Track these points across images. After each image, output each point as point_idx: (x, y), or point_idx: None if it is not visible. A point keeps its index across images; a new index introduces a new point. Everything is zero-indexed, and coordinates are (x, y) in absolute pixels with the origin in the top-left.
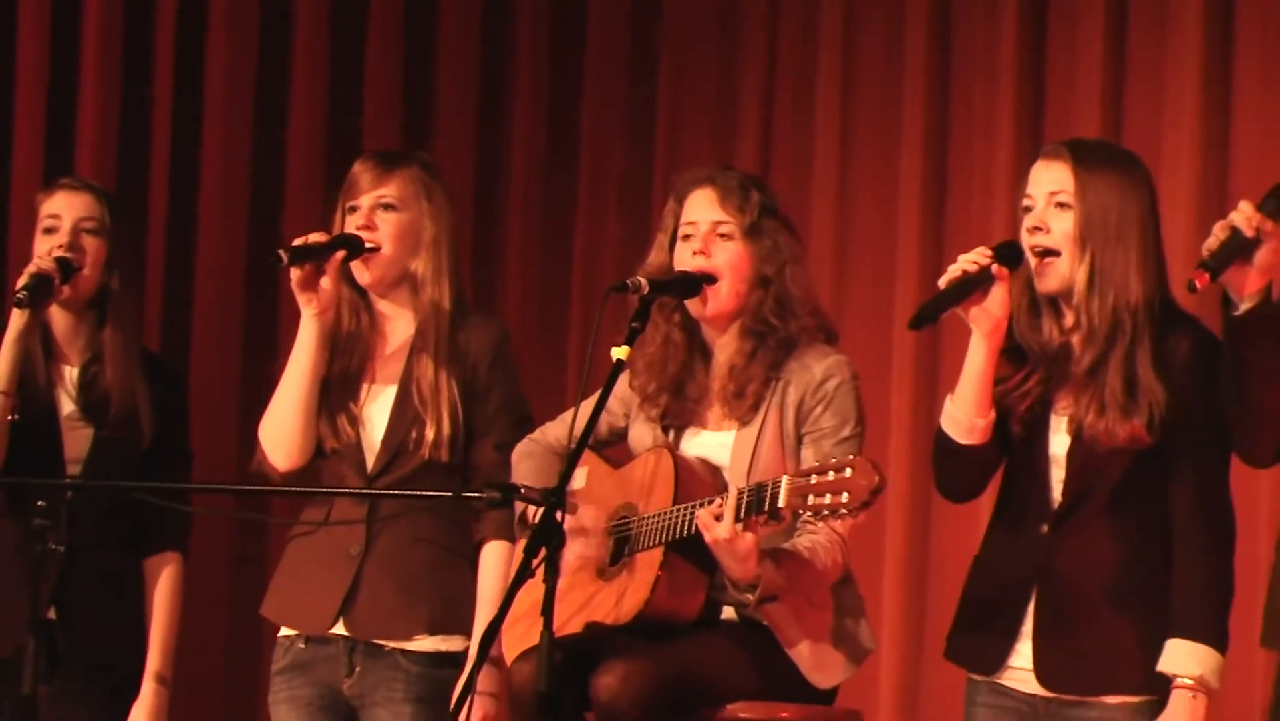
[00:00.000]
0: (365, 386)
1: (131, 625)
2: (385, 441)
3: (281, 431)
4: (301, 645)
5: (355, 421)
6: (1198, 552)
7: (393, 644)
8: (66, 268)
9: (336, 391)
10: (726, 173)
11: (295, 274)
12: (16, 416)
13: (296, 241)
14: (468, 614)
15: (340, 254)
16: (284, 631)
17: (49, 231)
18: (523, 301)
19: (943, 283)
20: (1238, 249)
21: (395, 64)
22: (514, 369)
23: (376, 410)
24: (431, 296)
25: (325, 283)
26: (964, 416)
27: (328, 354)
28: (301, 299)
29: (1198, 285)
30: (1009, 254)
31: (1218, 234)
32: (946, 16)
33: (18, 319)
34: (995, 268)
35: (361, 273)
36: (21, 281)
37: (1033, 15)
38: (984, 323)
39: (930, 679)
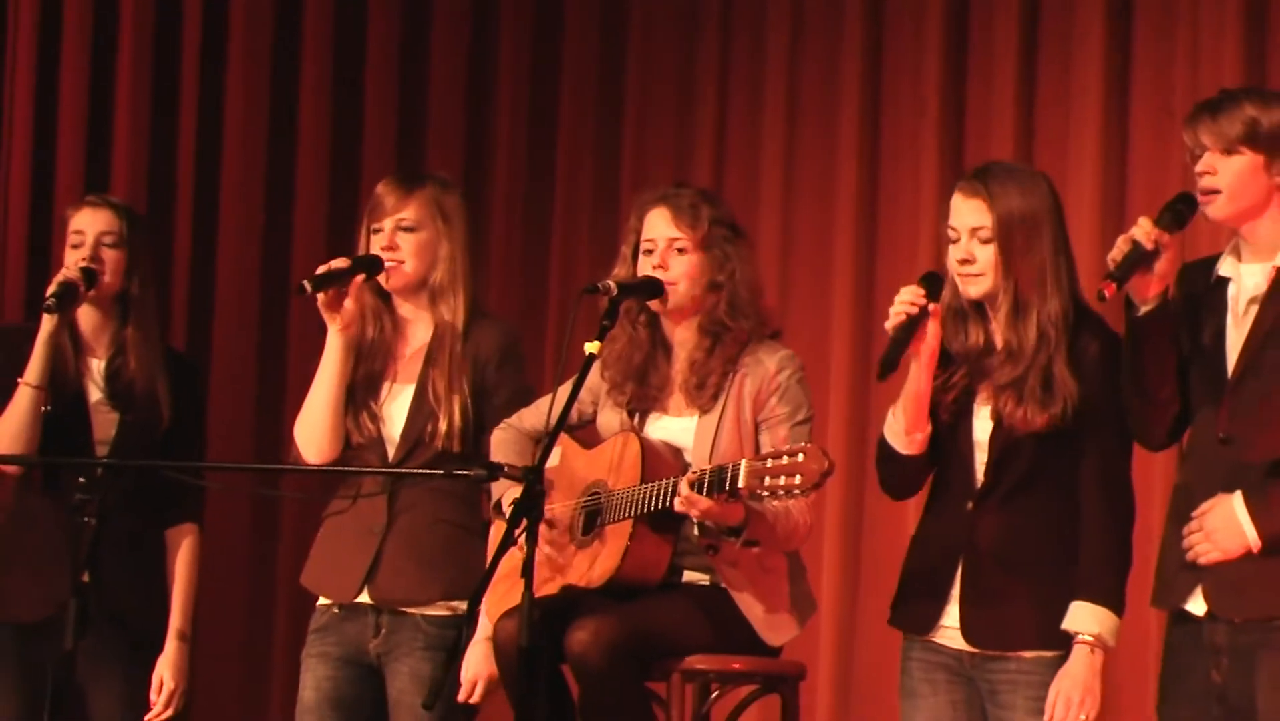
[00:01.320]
0: (387, 386)
1: (155, 588)
2: (404, 434)
3: (313, 431)
4: (336, 610)
5: (376, 418)
6: (1101, 526)
7: (413, 609)
8: (90, 276)
9: (361, 391)
10: (679, 192)
11: (321, 297)
12: (49, 407)
13: (319, 269)
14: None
15: (360, 277)
16: (321, 600)
17: (75, 246)
18: (505, 302)
19: (889, 327)
20: (1139, 259)
21: (391, 91)
22: (521, 366)
23: (397, 407)
24: (447, 303)
25: (348, 303)
26: (904, 431)
27: (352, 361)
28: (327, 317)
29: (1106, 295)
30: (934, 286)
31: (1121, 246)
32: (878, 53)
33: (48, 322)
34: (930, 306)
35: (385, 283)
36: (50, 289)
37: (954, 51)
38: (924, 354)
39: (864, 636)
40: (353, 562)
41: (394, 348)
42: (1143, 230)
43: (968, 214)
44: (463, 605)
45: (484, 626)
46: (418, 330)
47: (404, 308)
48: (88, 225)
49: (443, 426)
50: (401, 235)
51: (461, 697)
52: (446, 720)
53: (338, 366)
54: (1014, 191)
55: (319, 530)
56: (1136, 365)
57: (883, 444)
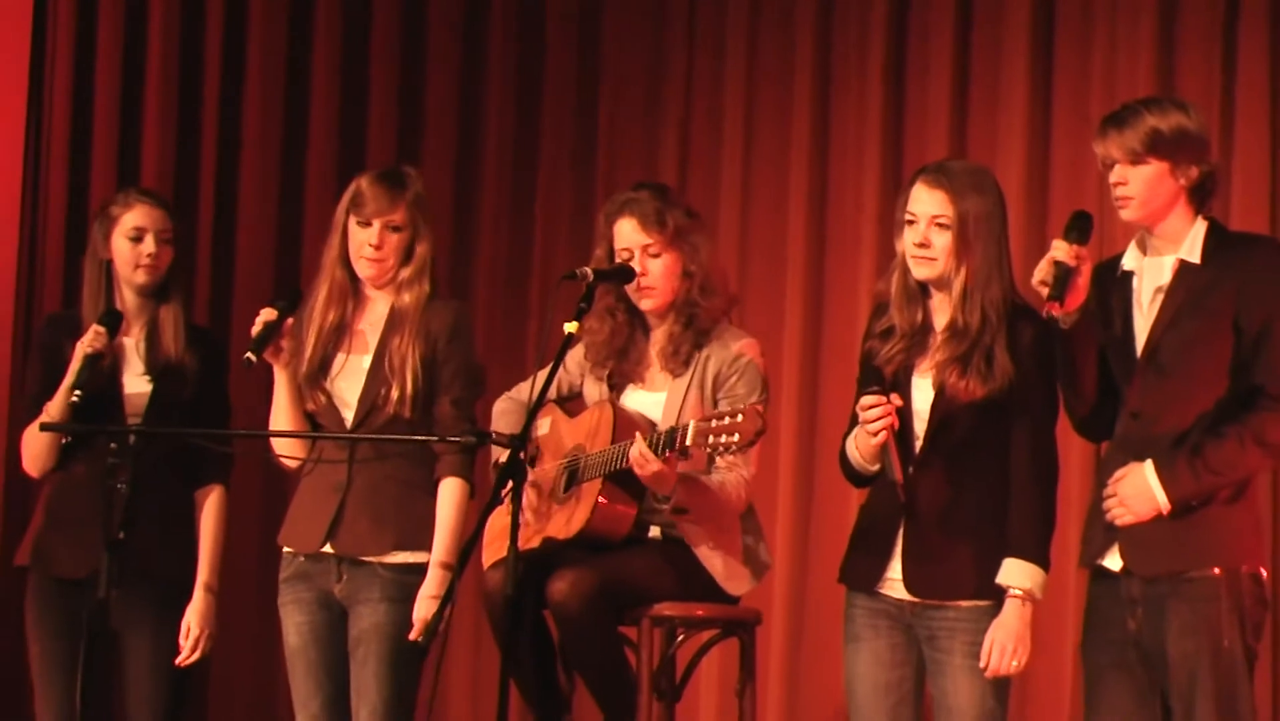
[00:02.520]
0: (342, 357)
1: (185, 544)
2: (361, 399)
3: (279, 445)
4: (301, 560)
5: (326, 390)
6: (1029, 489)
7: (370, 558)
8: (114, 324)
9: (320, 365)
10: (639, 198)
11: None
12: (77, 398)
13: (254, 334)
14: (429, 534)
15: (288, 322)
16: (286, 549)
17: (135, 240)
18: (491, 287)
19: (875, 443)
20: (1066, 276)
21: (392, 94)
22: (469, 340)
23: (353, 374)
24: (411, 290)
25: (284, 344)
26: (866, 464)
27: (298, 380)
28: (271, 361)
29: (1055, 314)
30: (883, 384)
31: (1046, 269)
32: (826, 67)
33: (98, 338)
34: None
35: (365, 269)
36: (73, 379)
37: (894, 65)
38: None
39: (813, 590)
40: (317, 517)
41: (353, 321)
42: (1063, 250)
43: (929, 203)
44: (418, 554)
45: (440, 581)
46: (377, 305)
47: (370, 290)
48: (147, 223)
49: (395, 394)
50: (388, 234)
51: (415, 636)
52: (408, 652)
53: (287, 396)
54: (972, 188)
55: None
56: (1070, 372)
57: (844, 460)
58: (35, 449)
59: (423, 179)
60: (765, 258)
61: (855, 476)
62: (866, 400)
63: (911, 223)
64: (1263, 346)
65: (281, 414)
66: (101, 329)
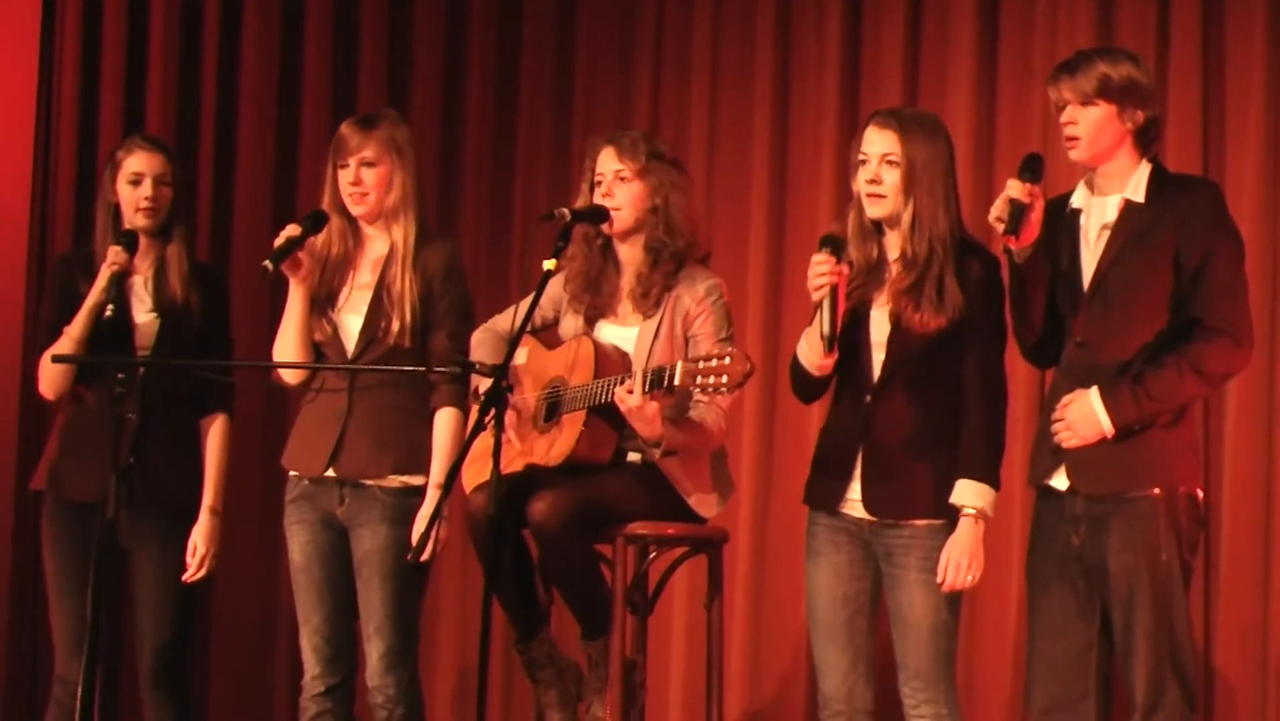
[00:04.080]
0: (346, 291)
1: (191, 469)
2: (363, 331)
3: (285, 358)
4: (305, 483)
5: (333, 321)
6: (980, 414)
7: (370, 481)
8: (131, 246)
9: (323, 298)
10: (625, 133)
11: (284, 266)
12: (110, 313)
13: (276, 244)
14: (426, 460)
15: (310, 239)
16: (292, 473)
17: (134, 183)
18: (476, 227)
19: (816, 299)
20: (1021, 212)
21: (382, 44)
22: (462, 278)
23: (355, 308)
24: (399, 222)
25: (302, 257)
26: (816, 358)
27: (311, 298)
28: (289, 274)
29: (1012, 248)
30: (837, 247)
31: (1002, 206)
32: (787, 20)
33: (119, 255)
34: (841, 268)
35: (353, 208)
36: (95, 295)
37: (851, 19)
38: (839, 309)
39: (776, 511)
40: (320, 442)
41: (354, 259)
42: (1017, 189)
43: (880, 142)
44: (415, 478)
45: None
46: (376, 245)
47: (366, 229)
48: (145, 168)
49: (395, 325)
50: (364, 170)
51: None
52: (410, 570)
53: (300, 310)
54: (920, 130)
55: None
56: (1021, 303)
57: (796, 365)
58: (51, 373)
59: (404, 120)
60: (730, 200)
61: (802, 383)
62: (817, 256)
63: (864, 162)
64: (1200, 281)
65: (291, 329)
66: (119, 247)
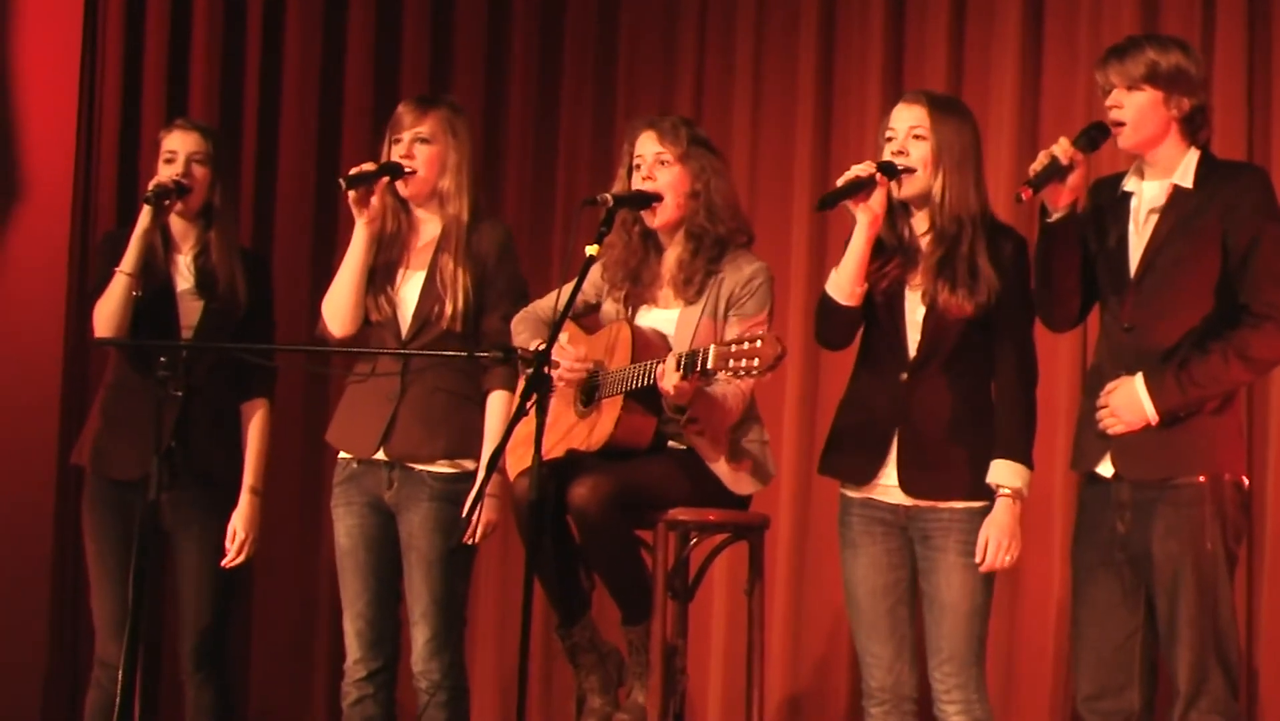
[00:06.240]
0: (401, 272)
1: (232, 451)
2: (416, 314)
3: (337, 308)
4: (355, 465)
5: (392, 301)
6: (1014, 394)
7: (420, 466)
8: (181, 189)
9: (380, 277)
10: (664, 117)
11: (351, 195)
12: (139, 293)
13: (352, 171)
14: (477, 444)
15: (385, 179)
16: (342, 455)
17: (168, 162)
18: (518, 211)
19: (840, 182)
20: (1054, 172)
21: (425, 27)
22: (515, 260)
23: (409, 291)
24: (454, 206)
25: (374, 200)
26: (845, 284)
27: (375, 250)
28: (356, 212)
29: (1023, 197)
30: (887, 168)
31: (1041, 159)
32: (832, 6)
33: (144, 217)
34: (878, 176)
35: (403, 188)
36: (149, 187)
37: (895, 3)
38: (866, 215)
39: (817, 496)
40: (371, 424)
41: (408, 241)
42: (1061, 148)
43: (907, 116)
44: (465, 462)
45: (495, 482)
46: (428, 227)
47: (418, 211)
48: (179, 146)
49: (449, 309)
50: (418, 146)
51: (466, 539)
52: (457, 554)
53: (362, 253)
54: (947, 112)
55: (343, 396)
56: (1045, 264)
57: (825, 298)
58: (108, 308)
59: (463, 110)
60: (774, 180)
61: (829, 317)
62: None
63: (891, 138)
64: (1247, 266)
65: (348, 272)
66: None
